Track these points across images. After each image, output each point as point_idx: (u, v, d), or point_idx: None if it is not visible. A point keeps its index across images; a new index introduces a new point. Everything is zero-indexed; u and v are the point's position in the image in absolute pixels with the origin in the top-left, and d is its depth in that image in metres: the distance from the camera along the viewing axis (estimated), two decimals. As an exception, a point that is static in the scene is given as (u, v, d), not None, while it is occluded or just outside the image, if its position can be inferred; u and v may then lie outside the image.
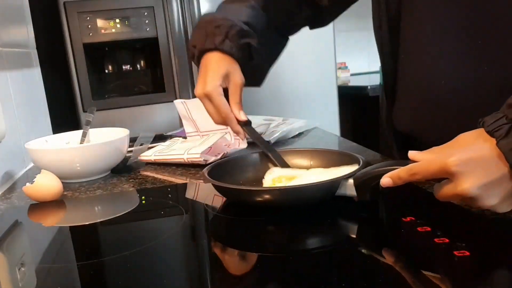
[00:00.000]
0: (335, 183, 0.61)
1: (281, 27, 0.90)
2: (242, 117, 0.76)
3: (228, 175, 0.71)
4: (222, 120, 0.77)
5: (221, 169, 0.72)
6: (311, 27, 0.94)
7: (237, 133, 0.78)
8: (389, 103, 0.78)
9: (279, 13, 0.88)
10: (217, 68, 0.77)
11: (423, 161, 0.49)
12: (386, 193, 0.58)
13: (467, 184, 0.44)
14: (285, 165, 0.74)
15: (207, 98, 0.76)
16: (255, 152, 0.79)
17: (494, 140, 0.45)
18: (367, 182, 0.58)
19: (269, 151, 0.75)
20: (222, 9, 0.86)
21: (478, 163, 0.45)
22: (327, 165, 0.72)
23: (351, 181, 0.60)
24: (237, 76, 0.77)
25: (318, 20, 0.91)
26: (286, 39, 0.96)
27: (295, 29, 0.94)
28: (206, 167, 0.70)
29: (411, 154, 0.52)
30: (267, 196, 0.62)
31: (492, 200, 0.45)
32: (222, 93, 0.76)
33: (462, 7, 0.60)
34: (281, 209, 0.63)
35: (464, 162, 0.44)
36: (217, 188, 0.67)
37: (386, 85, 0.78)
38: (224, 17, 0.79)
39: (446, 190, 0.47)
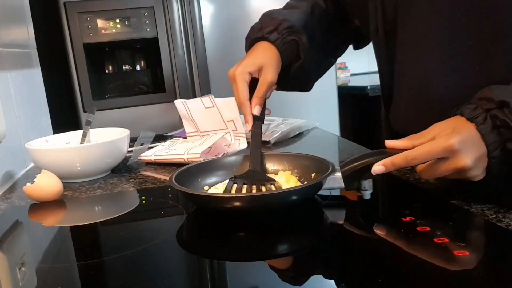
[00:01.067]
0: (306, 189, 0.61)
1: (325, 44, 0.91)
2: (255, 111, 0.76)
3: (199, 179, 0.70)
4: (239, 105, 0.78)
5: (190, 173, 0.70)
6: (355, 47, 0.95)
7: (246, 121, 0.78)
8: (386, 104, 0.78)
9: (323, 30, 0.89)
10: (255, 56, 0.79)
11: (421, 147, 0.55)
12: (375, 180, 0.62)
13: (467, 159, 0.52)
14: (257, 169, 0.72)
15: (233, 79, 0.77)
16: (229, 156, 0.78)
17: (474, 125, 0.53)
18: (355, 173, 0.61)
19: (252, 153, 0.74)
20: (284, 8, 0.88)
21: (471, 142, 0.53)
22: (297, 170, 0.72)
23: (338, 174, 0.62)
24: (269, 73, 0.77)
25: (357, 39, 0.92)
26: (333, 58, 0.98)
27: (339, 47, 0.95)
28: (175, 172, 0.68)
29: (390, 143, 0.58)
30: (236, 203, 0.60)
31: (478, 171, 0.54)
32: (247, 79, 0.77)
33: (456, 11, 0.62)
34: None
35: (463, 141, 0.52)
36: (183, 194, 0.64)
37: (383, 86, 0.79)
38: (281, 13, 0.83)
39: (445, 167, 0.54)
